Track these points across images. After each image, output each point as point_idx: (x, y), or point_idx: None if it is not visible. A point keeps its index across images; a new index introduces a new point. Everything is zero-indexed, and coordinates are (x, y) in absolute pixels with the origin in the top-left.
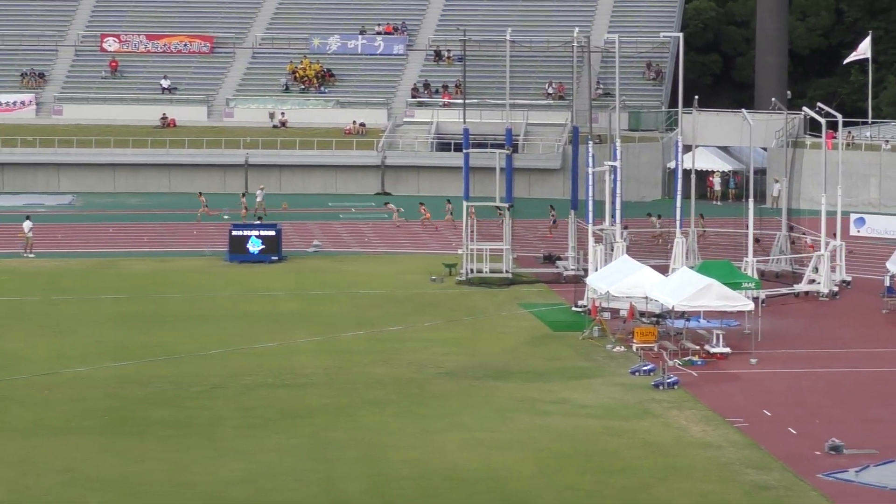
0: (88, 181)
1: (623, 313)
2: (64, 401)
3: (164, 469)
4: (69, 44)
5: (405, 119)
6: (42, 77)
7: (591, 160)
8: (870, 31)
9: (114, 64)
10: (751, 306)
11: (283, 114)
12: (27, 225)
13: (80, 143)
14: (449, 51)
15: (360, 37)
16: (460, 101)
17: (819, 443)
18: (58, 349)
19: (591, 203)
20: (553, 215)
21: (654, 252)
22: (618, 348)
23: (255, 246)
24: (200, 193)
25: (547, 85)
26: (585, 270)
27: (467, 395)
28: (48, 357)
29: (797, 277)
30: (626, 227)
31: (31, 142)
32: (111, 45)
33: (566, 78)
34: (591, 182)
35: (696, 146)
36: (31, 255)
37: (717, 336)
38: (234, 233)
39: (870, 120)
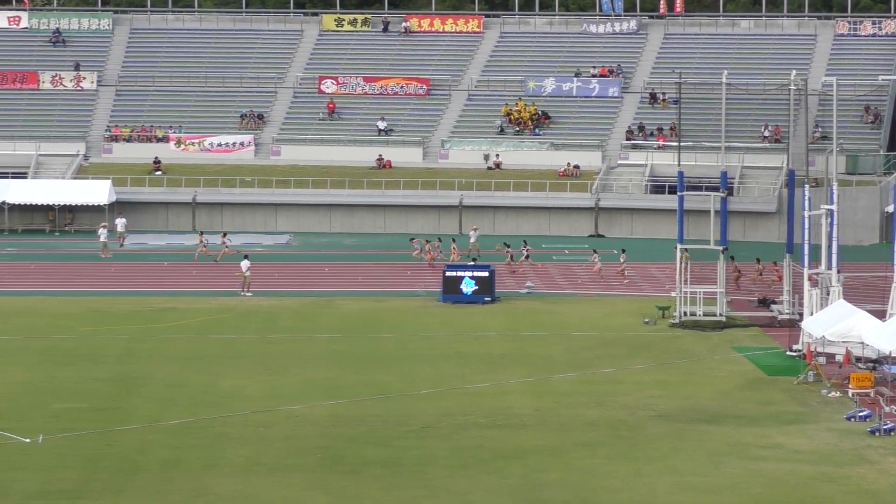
0: (305, 221)
1: (839, 358)
2: (279, 438)
3: None
4: (288, 86)
5: (619, 161)
6: (261, 118)
7: (807, 203)
8: None
9: (331, 105)
10: None
11: (497, 155)
12: (245, 264)
13: (298, 183)
14: (664, 93)
15: (574, 79)
16: (675, 143)
17: None
18: (273, 387)
19: (806, 247)
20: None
21: (871, 297)
22: (833, 394)
23: (468, 287)
24: (202, 233)
25: (763, 128)
26: (800, 314)
27: (679, 439)
28: (263, 395)
29: None
30: (839, 272)
31: (249, 182)
32: (329, 87)
33: (783, 121)
34: (806, 226)
35: None
36: (249, 294)
37: None
38: (447, 273)
39: None
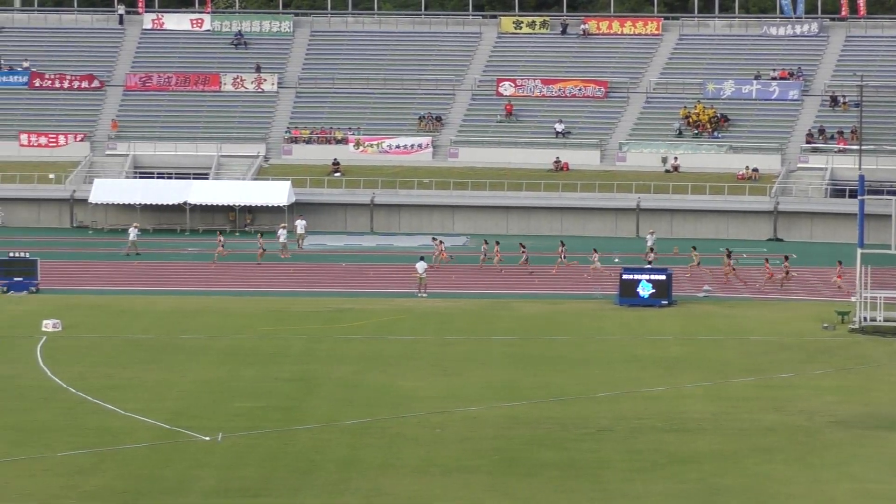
0: (482, 223)
1: None
2: (455, 439)
3: None
4: (466, 88)
5: (799, 165)
6: (439, 120)
7: None
8: None
9: (509, 108)
10: None
11: (675, 158)
12: (421, 266)
13: (475, 185)
14: (845, 96)
15: (754, 82)
16: (856, 147)
17: None
18: (449, 388)
19: None
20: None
21: None
22: None
23: (645, 290)
24: (220, 233)
25: None
26: None
27: (859, 446)
28: (440, 396)
29: None
30: None
31: (427, 184)
32: (507, 89)
33: None
34: None
35: None
36: (425, 296)
37: None
38: (624, 276)
39: None
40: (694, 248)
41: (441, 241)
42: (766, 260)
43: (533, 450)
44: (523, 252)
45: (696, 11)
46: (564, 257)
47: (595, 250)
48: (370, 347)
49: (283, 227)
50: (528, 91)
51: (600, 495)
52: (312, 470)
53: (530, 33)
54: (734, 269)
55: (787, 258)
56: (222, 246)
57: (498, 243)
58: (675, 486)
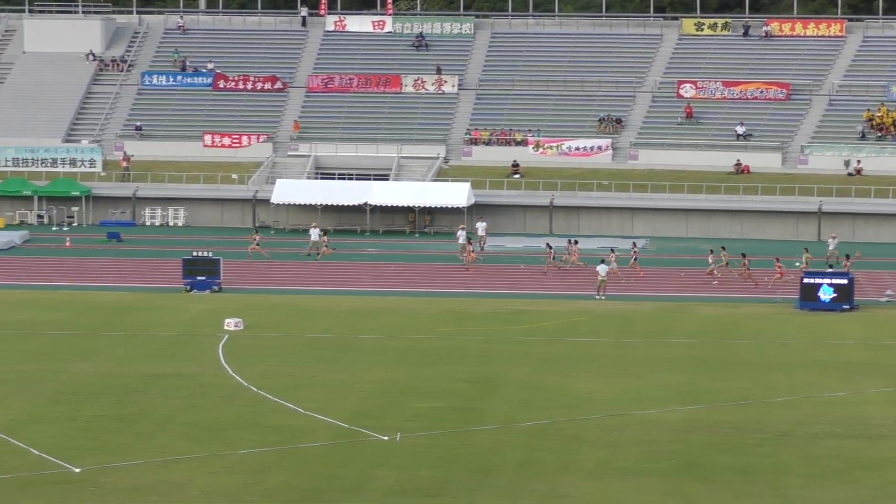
0: (661, 226)
1: None
2: (632, 442)
3: None
4: (646, 90)
5: None
6: (619, 122)
7: None
8: None
9: (689, 110)
10: None
11: (858, 161)
12: (602, 269)
13: (654, 188)
14: None
15: None
16: None
17: None
18: (627, 391)
19: None
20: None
21: None
22: None
23: (826, 294)
24: (256, 231)
25: None
26: None
27: None
28: (618, 399)
29: None
30: None
31: (606, 186)
32: (687, 91)
33: None
34: None
35: None
36: (603, 298)
37: None
38: (805, 280)
39: None
40: (723, 247)
41: (470, 241)
42: (777, 259)
43: (711, 454)
44: (550, 252)
45: (880, 13)
46: (554, 258)
47: (612, 250)
48: (548, 349)
49: (463, 229)
50: (709, 93)
51: (779, 501)
52: (490, 471)
53: (712, 35)
54: (749, 271)
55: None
56: (257, 244)
57: (576, 242)
58: (855, 492)
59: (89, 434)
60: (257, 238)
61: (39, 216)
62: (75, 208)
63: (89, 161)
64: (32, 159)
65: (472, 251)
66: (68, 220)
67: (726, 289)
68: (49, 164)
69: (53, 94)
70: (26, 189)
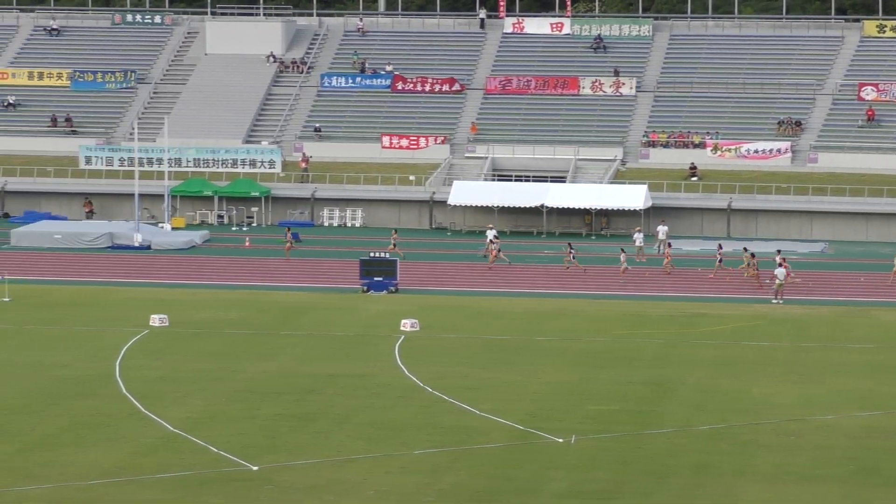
0: (841, 229)
1: None
2: (809, 447)
3: None
4: (827, 92)
5: None
6: (799, 125)
7: None
8: None
9: (871, 113)
10: None
11: None
12: (780, 272)
13: (834, 191)
14: None
15: None
16: None
17: None
18: (805, 396)
19: None
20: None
21: None
22: None
23: None
24: (289, 229)
25: None
26: None
27: None
28: (795, 403)
29: None
30: None
31: (785, 189)
32: (869, 93)
33: None
34: None
35: None
36: (780, 302)
37: None
38: None
39: None
40: (753, 254)
41: (492, 241)
42: (783, 259)
43: (890, 460)
44: (571, 252)
45: None
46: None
47: (623, 250)
48: (725, 353)
49: (640, 231)
50: (892, 96)
51: None
52: (665, 474)
53: (894, 37)
54: (756, 271)
55: None
56: (290, 242)
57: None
58: None
59: (267, 433)
60: (290, 236)
61: (220, 216)
62: (255, 209)
63: (269, 162)
64: (213, 160)
65: (493, 250)
66: (248, 221)
67: None
68: (229, 165)
69: (234, 95)
70: (207, 189)
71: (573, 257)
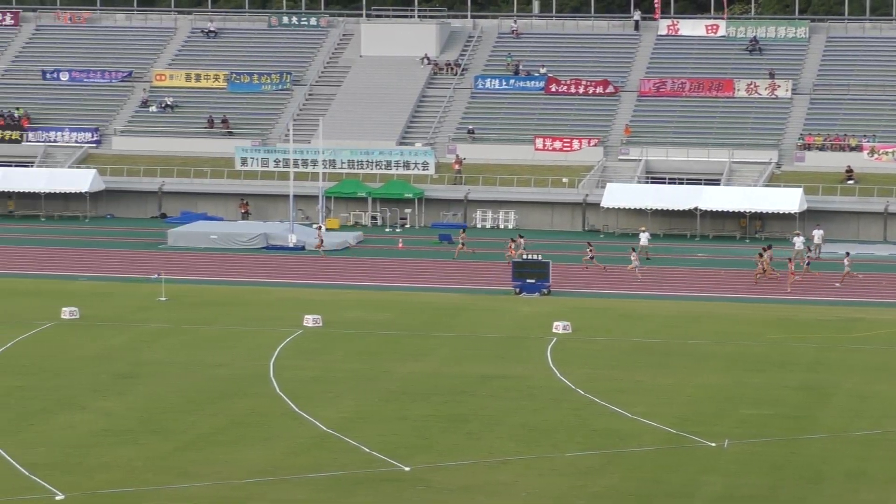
0: None
1: None
2: None
3: None
4: None
5: None
6: None
7: None
8: None
9: None
10: None
11: None
12: None
13: None
14: None
15: None
16: None
17: None
18: None
19: None
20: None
21: None
22: None
23: None
24: (320, 227)
25: None
26: None
27: None
28: None
29: None
30: None
31: None
32: None
33: None
34: None
35: None
36: None
37: None
38: None
39: None
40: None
41: (513, 240)
42: (790, 259)
43: None
44: (591, 251)
45: None
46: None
47: (633, 249)
48: (882, 358)
49: (798, 235)
50: None
51: None
52: (819, 480)
53: None
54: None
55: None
56: (321, 240)
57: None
58: None
59: (419, 433)
60: (322, 233)
61: (373, 217)
62: (408, 210)
63: (422, 163)
64: (367, 161)
65: (514, 249)
66: (401, 222)
67: None
68: (383, 167)
69: (389, 97)
70: (361, 191)
71: (592, 257)
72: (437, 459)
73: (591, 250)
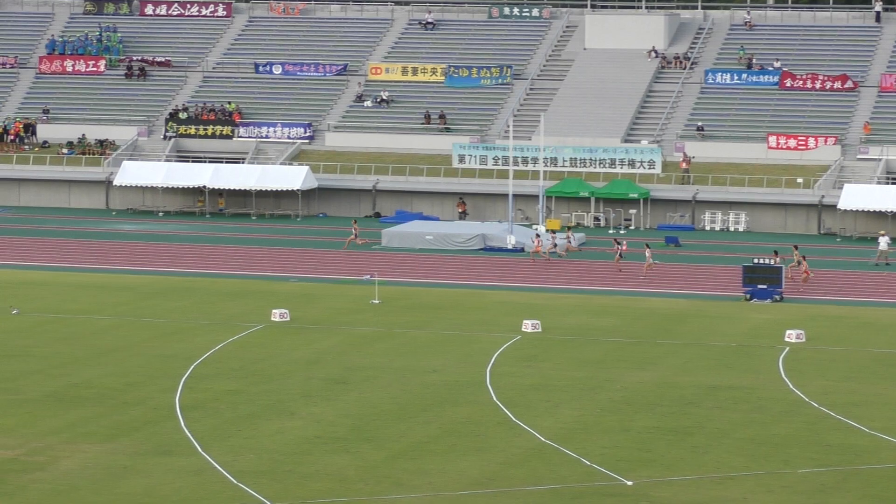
0: None
1: None
2: None
3: None
4: None
5: None
6: None
7: None
8: None
9: None
10: None
11: None
12: None
13: None
14: None
15: None
16: None
17: None
18: None
19: None
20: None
21: None
22: None
23: None
24: (355, 221)
25: None
26: None
27: None
28: None
29: None
30: None
31: None
32: None
33: None
34: None
35: None
36: None
37: None
38: None
39: None
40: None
41: (538, 235)
42: (804, 257)
43: None
44: (647, 250)
45: None
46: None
47: (647, 245)
48: None
49: (884, 235)
50: None
51: None
52: None
53: None
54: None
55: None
56: (356, 235)
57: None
58: None
59: (643, 446)
60: (357, 229)
61: (596, 218)
62: (633, 211)
63: (648, 162)
64: (590, 159)
65: (539, 245)
66: (625, 223)
67: None
68: (607, 165)
69: (613, 92)
70: (583, 190)
71: (621, 254)
72: (661, 474)
73: (619, 247)
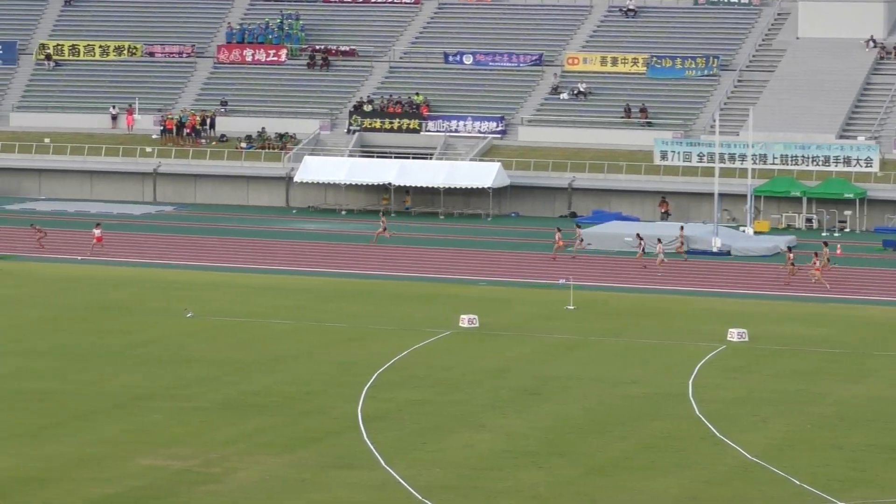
0: None
1: None
2: None
3: None
4: None
5: None
6: None
7: None
8: None
9: None
10: None
11: None
12: None
13: None
14: None
15: None
16: None
17: None
18: None
19: None
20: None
21: None
22: None
23: None
24: (383, 213)
25: None
26: None
27: None
28: None
29: None
30: None
31: None
32: None
33: None
34: None
35: None
36: None
37: None
38: None
39: None
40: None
41: (559, 230)
42: (816, 254)
43: None
44: (641, 243)
45: None
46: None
47: (659, 240)
48: None
49: None
50: None
51: None
52: None
53: None
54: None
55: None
56: (384, 228)
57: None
58: None
59: (856, 465)
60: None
61: (808, 220)
62: (848, 212)
63: (865, 160)
64: (802, 157)
65: (561, 241)
66: (840, 225)
67: None
68: (820, 163)
69: (828, 84)
70: (795, 189)
71: (643, 250)
72: (876, 495)
73: (641, 243)
